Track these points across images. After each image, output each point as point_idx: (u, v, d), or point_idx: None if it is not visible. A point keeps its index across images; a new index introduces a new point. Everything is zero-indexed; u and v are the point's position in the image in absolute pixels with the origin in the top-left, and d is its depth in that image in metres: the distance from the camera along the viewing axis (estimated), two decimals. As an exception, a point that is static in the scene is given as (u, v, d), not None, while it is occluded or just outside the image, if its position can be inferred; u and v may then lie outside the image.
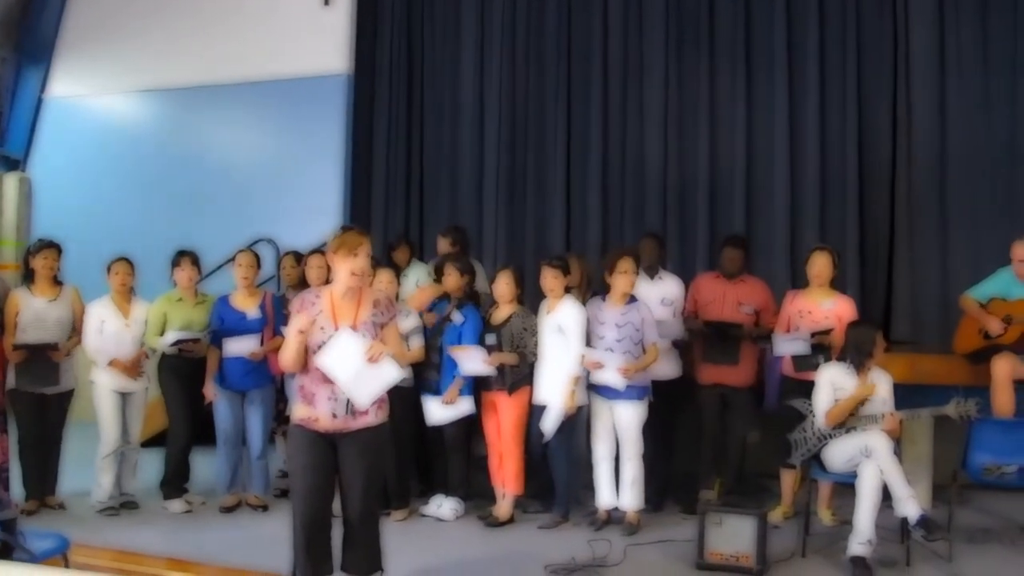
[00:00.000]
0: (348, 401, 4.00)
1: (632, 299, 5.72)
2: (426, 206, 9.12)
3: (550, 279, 5.77)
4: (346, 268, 4.01)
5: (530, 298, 6.09)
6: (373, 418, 4.06)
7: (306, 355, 4.04)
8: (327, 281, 6.06)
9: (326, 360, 3.96)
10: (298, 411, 4.08)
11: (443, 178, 9.04)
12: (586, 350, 5.63)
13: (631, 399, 5.62)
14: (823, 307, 5.78)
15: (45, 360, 5.88)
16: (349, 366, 3.95)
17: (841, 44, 7.69)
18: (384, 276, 5.80)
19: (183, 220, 9.01)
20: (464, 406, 5.79)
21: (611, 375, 5.55)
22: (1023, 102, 7.13)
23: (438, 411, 5.81)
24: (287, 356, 4.05)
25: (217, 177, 9.53)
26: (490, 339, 5.75)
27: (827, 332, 5.64)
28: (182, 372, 6.03)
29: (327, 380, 3.99)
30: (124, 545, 5.21)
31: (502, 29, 8.84)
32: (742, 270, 6.25)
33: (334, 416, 3.99)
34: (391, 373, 4.02)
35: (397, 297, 6.06)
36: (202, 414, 6.13)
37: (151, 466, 6.28)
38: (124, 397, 6.04)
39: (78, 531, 4.78)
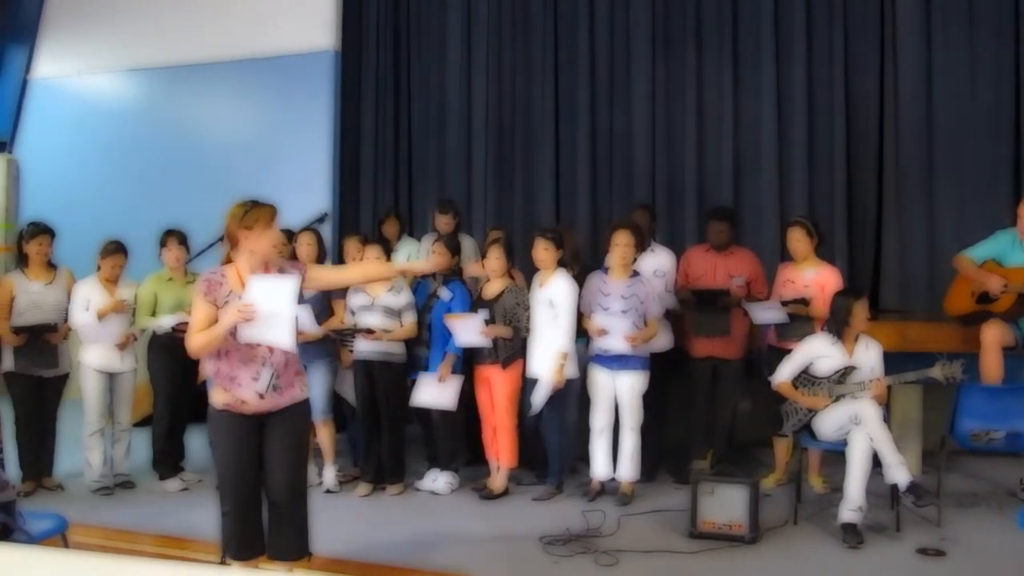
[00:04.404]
0: (271, 379, 3.85)
1: (635, 273, 5.76)
2: (415, 181, 9.08)
3: (541, 251, 5.76)
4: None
5: (522, 271, 6.10)
6: (299, 392, 3.96)
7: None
8: (317, 258, 6.09)
9: (255, 302, 3.72)
10: (219, 396, 3.90)
11: (431, 153, 9.00)
12: (592, 317, 5.68)
13: (635, 369, 5.68)
14: (805, 276, 5.83)
15: (44, 343, 5.89)
16: (274, 305, 3.70)
17: (828, 13, 7.64)
18: (372, 252, 5.79)
19: (171, 199, 8.92)
20: (447, 398, 5.78)
21: (616, 341, 5.59)
22: (1009, 70, 7.12)
23: (425, 394, 5.80)
24: (198, 342, 3.82)
25: (205, 156, 9.47)
26: (483, 314, 5.75)
27: (801, 301, 5.68)
28: (172, 352, 5.95)
29: (248, 360, 3.84)
30: (121, 524, 5.24)
31: (488, 3, 8.78)
32: (730, 242, 6.27)
33: (261, 397, 3.85)
34: (287, 284, 3.73)
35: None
36: (193, 393, 6.13)
37: (147, 446, 6.28)
38: (112, 378, 6.04)
39: (75, 511, 4.80)
